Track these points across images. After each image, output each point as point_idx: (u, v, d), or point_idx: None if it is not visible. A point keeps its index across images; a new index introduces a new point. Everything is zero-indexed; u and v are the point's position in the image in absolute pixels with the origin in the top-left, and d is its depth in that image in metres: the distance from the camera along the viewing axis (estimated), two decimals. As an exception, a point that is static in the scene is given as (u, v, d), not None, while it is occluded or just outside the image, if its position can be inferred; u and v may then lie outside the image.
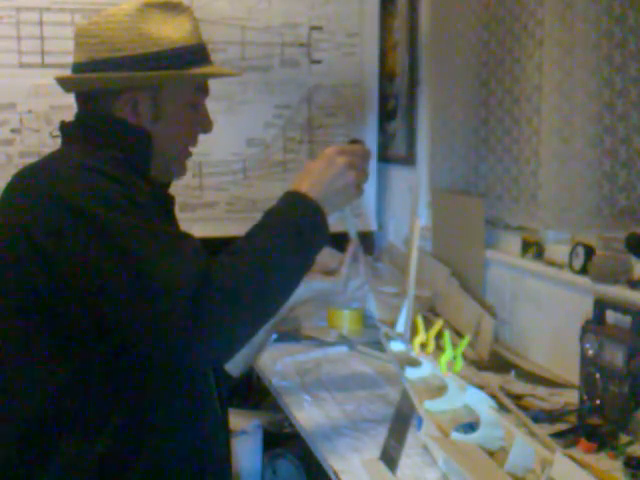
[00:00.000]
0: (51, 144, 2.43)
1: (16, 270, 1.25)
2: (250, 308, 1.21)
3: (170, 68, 1.37)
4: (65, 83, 1.43)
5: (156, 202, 1.34)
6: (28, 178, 1.32)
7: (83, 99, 1.42)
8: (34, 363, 1.27)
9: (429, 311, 2.28)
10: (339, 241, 1.70)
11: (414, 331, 1.53)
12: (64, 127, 1.44)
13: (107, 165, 1.30)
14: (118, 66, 1.35)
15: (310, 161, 1.41)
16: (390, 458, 1.34)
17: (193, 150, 1.48)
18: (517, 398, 1.69)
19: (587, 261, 1.74)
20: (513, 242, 2.09)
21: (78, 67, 1.40)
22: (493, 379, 1.83)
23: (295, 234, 1.28)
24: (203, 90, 1.46)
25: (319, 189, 1.34)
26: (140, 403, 1.28)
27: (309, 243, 1.31)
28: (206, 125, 1.47)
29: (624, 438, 1.48)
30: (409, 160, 2.69)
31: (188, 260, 1.19)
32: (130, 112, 1.39)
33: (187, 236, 1.26)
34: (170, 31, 1.38)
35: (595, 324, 1.61)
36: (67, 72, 1.43)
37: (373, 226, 2.86)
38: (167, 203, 1.47)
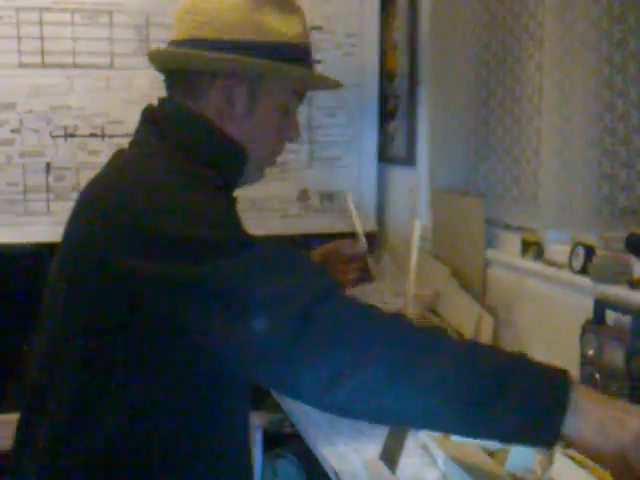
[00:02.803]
0: (51, 144, 2.43)
1: (94, 297, 1.17)
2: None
3: (277, 62, 1.29)
4: (160, 58, 1.35)
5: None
6: (113, 203, 1.19)
7: (174, 80, 1.33)
8: (110, 385, 1.18)
9: (429, 311, 2.28)
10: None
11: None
12: (149, 115, 1.34)
13: (205, 190, 1.21)
14: (222, 49, 1.26)
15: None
16: (390, 458, 1.34)
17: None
18: (517, 398, 1.69)
19: (587, 261, 1.74)
20: (513, 242, 2.09)
21: (175, 44, 1.31)
22: (493, 379, 1.83)
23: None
24: (299, 95, 1.39)
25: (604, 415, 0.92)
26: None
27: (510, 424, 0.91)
28: (294, 133, 1.40)
29: (624, 438, 1.48)
30: (409, 160, 2.69)
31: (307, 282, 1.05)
32: (223, 99, 1.30)
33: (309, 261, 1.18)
34: (283, 26, 1.31)
35: (595, 324, 1.61)
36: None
37: (373, 226, 2.85)
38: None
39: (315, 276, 1.08)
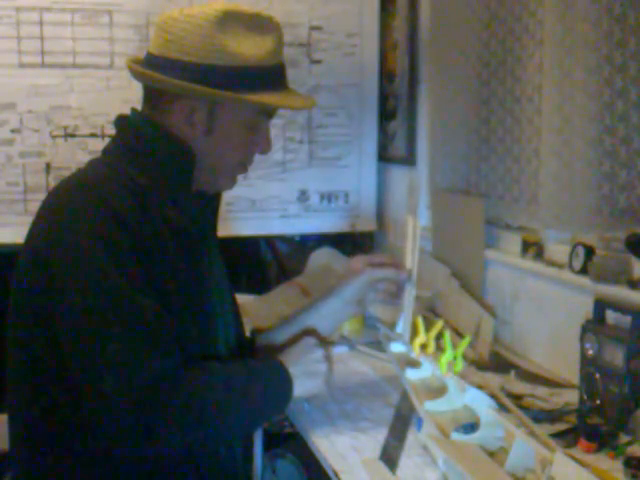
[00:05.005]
0: (51, 144, 2.43)
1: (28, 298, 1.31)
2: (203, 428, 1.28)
3: (233, 88, 1.32)
4: (131, 72, 1.41)
5: (180, 238, 1.34)
6: (53, 206, 1.33)
7: (145, 93, 1.41)
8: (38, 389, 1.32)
9: (429, 311, 2.28)
10: (340, 241, 1.71)
11: (414, 332, 1.53)
12: (117, 124, 1.42)
13: (136, 202, 1.29)
14: (182, 70, 1.31)
15: None
16: (390, 458, 1.34)
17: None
18: (517, 398, 1.69)
19: (587, 261, 1.74)
20: (513, 242, 2.09)
21: (149, 57, 1.38)
22: (493, 379, 1.83)
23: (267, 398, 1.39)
24: (267, 114, 1.42)
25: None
26: None
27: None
28: (264, 147, 1.44)
29: (624, 438, 1.48)
30: (409, 160, 2.69)
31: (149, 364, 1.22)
32: (184, 119, 1.36)
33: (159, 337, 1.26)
34: (246, 48, 1.33)
35: (595, 324, 1.61)
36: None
37: (373, 226, 2.85)
38: (202, 227, 1.44)
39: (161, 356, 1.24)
